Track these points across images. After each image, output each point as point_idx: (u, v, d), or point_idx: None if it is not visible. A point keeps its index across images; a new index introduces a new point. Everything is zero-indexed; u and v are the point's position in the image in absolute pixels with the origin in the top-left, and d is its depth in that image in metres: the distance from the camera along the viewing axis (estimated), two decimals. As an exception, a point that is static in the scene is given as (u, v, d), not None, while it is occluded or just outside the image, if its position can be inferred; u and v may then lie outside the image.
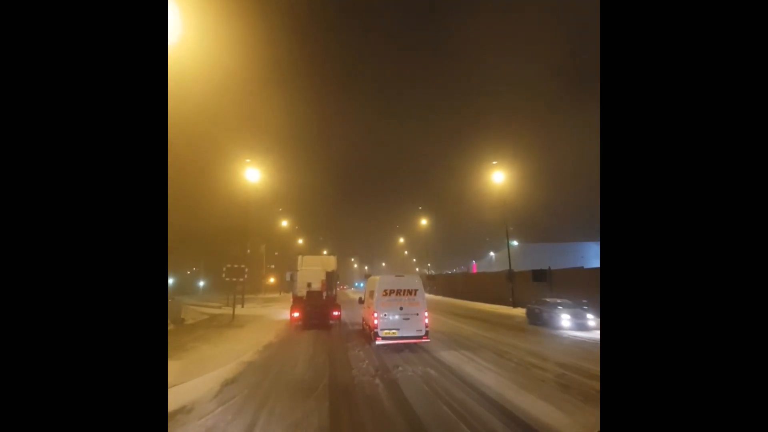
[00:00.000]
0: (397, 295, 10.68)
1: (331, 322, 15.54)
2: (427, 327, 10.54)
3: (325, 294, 15.97)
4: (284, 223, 50.46)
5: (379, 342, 10.38)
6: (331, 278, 16.27)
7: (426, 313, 10.70)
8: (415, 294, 10.79)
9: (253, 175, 26.90)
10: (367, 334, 11.99)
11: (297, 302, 15.46)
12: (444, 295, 40.59)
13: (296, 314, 14.98)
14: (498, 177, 27.18)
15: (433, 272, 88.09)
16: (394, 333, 10.42)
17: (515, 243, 39.62)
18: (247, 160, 26.80)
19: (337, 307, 15.72)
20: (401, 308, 10.55)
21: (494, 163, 27.15)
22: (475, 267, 59.91)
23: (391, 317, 10.49)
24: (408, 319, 10.48)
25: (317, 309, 15.23)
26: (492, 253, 54.68)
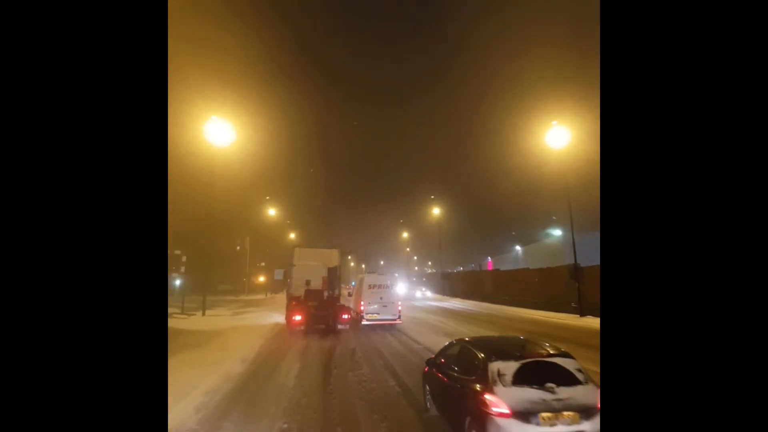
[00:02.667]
0: (378, 288, 14.60)
1: (339, 326, 12.88)
2: (399, 312, 14.73)
3: (326, 293, 13.68)
4: (272, 212, 43.02)
5: (364, 323, 14.17)
6: (333, 275, 13.96)
7: (399, 303, 15.03)
8: (390, 288, 14.95)
9: (219, 133, 19.52)
10: (355, 319, 14.69)
11: (299, 303, 12.95)
12: (464, 297, 33.19)
13: (298, 317, 12.31)
14: (557, 138, 19.90)
15: (432, 270, 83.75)
16: (375, 316, 14.26)
17: (559, 232, 32.58)
18: (213, 117, 19.48)
19: (347, 309, 13.50)
20: (381, 298, 14.49)
21: (554, 123, 19.89)
22: (490, 264, 52.96)
23: (373, 305, 14.37)
24: (386, 306, 14.48)
25: (323, 311, 12.82)
26: (518, 248, 47.48)
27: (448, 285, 39.09)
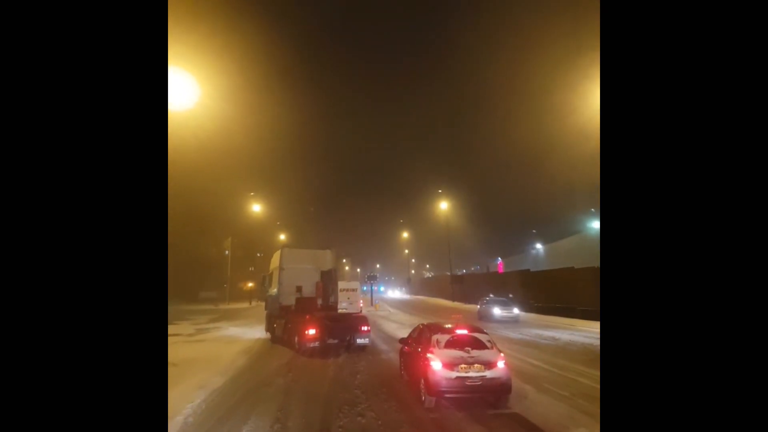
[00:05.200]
0: (347, 291, 21.19)
1: (359, 340, 10.40)
2: (361, 308, 19.74)
3: (320, 301, 11.86)
4: (256, 207, 37.89)
5: None
6: (328, 280, 12.23)
7: (361, 300, 24.12)
8: (356, 291, 23.36)
9: (182, 92, 14.50)
10: None
11: (312, 315, 10.28)
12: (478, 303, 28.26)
13: (312, 331, 9.71)
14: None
15: (430, 274, 78.57)
16: (344, 311, 15.03)
17: (598, 225, 27.92)
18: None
19: (365, 320, 10.81)
20: (348, 298, 20.61)
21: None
22: (501, 266, 48.18)
23: (343, 303, 18.24)
24: (352, 304, 20.33)
25: (340, 322, 10.52)
26: (539, 246, 42.69)
27: (459, 289, 34.21)
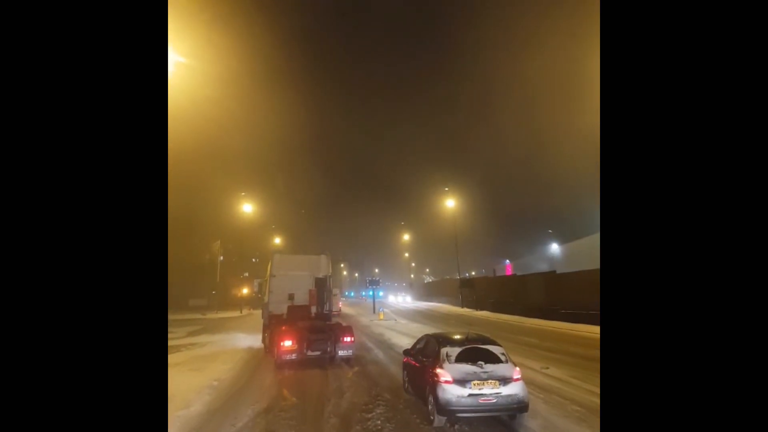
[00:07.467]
0: None
1: (340, 352, 9.76)
2: (340, 308, 23.87)
3: (314, 309, 11.29)
4: (248, 208, 35.13)
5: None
6: (322, 287, 11.57)
7: (340, 302, 27.51)
8: (336, 295, 20.32)
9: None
10: None
11: (290, 326, 9.97)
12: (495, 310, 25.60)
13: (288, 343, 9.19)
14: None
15: (430, 279, 75.92)
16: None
17: None
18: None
19: (348, 329, 10.17)
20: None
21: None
22: (509, 268, 45.58)
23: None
24: (333, 305, 17.26)
25: (318, 334, 9.80)
26: (556, 246, 39.91)
27: (470, 294, 31.47)
